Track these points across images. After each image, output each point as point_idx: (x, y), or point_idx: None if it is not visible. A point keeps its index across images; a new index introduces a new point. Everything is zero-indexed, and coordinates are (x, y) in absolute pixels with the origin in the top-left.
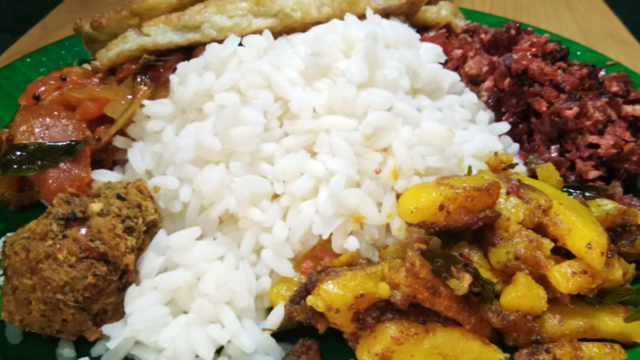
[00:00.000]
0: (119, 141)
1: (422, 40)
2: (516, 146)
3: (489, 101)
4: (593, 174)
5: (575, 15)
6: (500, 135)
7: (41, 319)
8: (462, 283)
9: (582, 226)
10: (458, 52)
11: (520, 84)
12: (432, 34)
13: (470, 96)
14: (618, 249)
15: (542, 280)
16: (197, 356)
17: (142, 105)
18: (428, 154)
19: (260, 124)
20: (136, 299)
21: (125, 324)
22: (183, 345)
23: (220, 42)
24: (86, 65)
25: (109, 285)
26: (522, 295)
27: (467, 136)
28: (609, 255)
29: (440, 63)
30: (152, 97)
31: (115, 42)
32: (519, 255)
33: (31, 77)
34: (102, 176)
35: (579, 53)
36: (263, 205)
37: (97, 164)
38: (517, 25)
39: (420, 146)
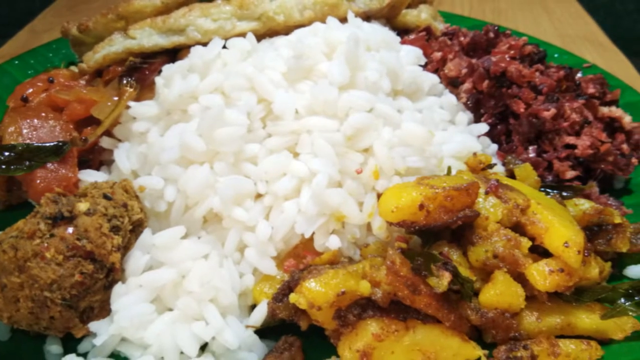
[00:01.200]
0: (105, 142)
1: (403, 43)
2: (495, 147)
3: (468, 103)
4: (570, 174)
5: (552, 19)
6: (479, 136)
7: (29, 316)
8: (442, 281)
9: (559, 225)
10: (438, 55)
11: (499, 85)
12: (412, 36)
13: (449, 98)
14: (594, 248)
15: (520, 278)
16: (182, 352)
17: (128, 107)
18: (408, 155)
19: (244, 125)
20: (122, 297)
21: (111, 321)
22: (168, 341)
23: (205, 44)
24: (73, 68)
25: (96, 283)
26: (500, 293)
27: (446, 137)
28: (586, 254)
29: (420, 65)
30: (137, 98)
31: (101, 45)
32: (498, 254)
33: (19, 79)
34: (89, 176)
35: (556, 55)
36: (246, 205)
37: (84, 164)
38: (496, 28)
39: (400, 147)
